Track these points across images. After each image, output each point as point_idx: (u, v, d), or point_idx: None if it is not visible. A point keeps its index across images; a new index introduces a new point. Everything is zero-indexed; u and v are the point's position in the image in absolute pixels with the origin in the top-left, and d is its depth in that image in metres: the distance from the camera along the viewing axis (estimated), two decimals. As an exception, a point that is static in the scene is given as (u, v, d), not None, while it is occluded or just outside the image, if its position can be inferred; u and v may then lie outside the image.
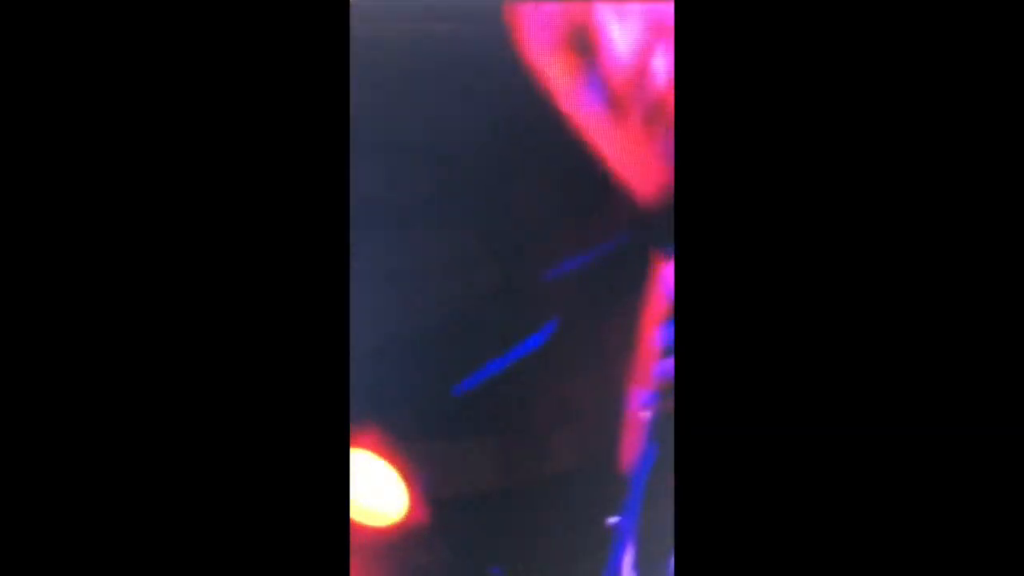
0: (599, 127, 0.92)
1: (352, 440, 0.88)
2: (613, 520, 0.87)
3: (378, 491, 1.15)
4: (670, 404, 0.86)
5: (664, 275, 0.90)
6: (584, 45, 0.90)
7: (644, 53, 0.88)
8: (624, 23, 0.87)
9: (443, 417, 1.17)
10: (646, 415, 0.89)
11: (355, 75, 1.06)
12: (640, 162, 0.91)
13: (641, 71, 0.89)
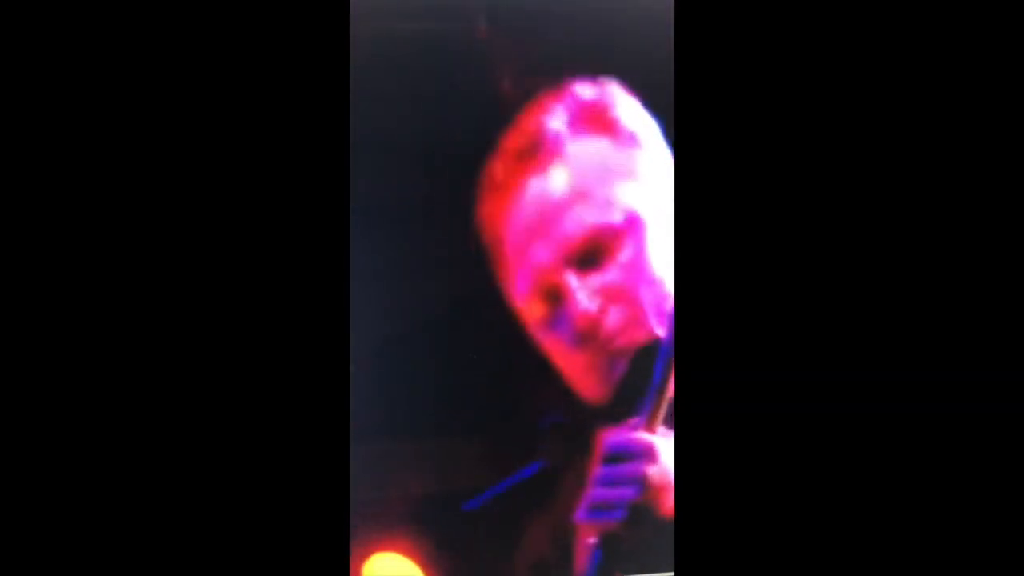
0: (563, 353, 1.14)
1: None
2: None
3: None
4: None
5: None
6: (554, 295, 1.12)
7: (601, 307, 1.09)
8: (584, 285, 1.09)
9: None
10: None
11: (355, 75, 1.07)
12: (594, 382, 1.13)
13: (598, 321, 1.10)
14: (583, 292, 1.12)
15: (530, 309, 1.17)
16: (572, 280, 1.13)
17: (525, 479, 1.19)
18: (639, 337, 1.14)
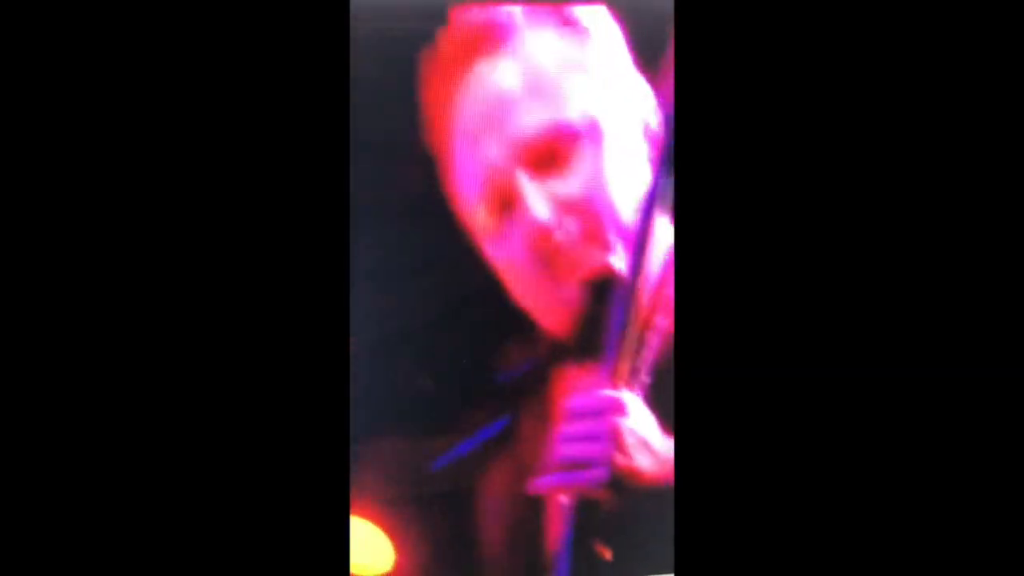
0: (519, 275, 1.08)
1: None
2: None
3: (367, 551, 1.40)
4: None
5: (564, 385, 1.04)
6: (506, 200, 1.04)
7: (557, 218, 1.01)
8: (539, 190, 1.01)
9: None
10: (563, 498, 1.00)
11: (355, 75, 1.07)
12: (550, 307, 1.06)
13: (552, 232, 1.02)
14: (537, 199, 1.04)
15: (478, 215, 1.09)
16: (524, 181, 1.04)
17: (490, 437, 1.17)
18: (597, 257, 1.06)
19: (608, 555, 0.97)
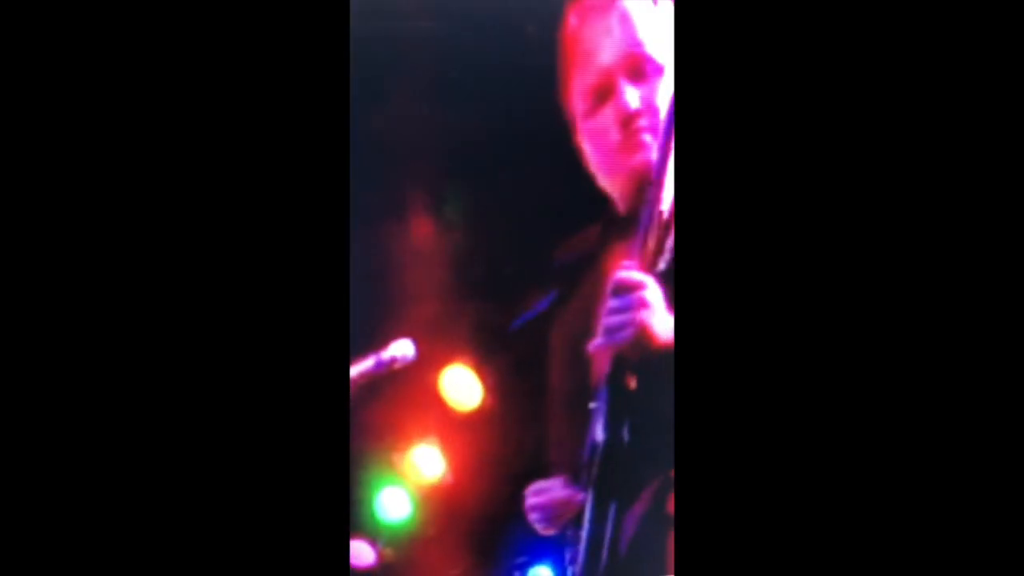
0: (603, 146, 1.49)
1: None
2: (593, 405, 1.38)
3: (463, 390, 2.26)
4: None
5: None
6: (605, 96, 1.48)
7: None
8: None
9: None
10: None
11: (355, 75, 1.07)
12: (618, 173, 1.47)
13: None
14: (629, 93, 1.46)
15: (585, 105, 1.49)
16: (622, 81, 1.46)
17: (544, 309, 1.55)
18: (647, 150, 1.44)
19: (633, 384, 1.34)
